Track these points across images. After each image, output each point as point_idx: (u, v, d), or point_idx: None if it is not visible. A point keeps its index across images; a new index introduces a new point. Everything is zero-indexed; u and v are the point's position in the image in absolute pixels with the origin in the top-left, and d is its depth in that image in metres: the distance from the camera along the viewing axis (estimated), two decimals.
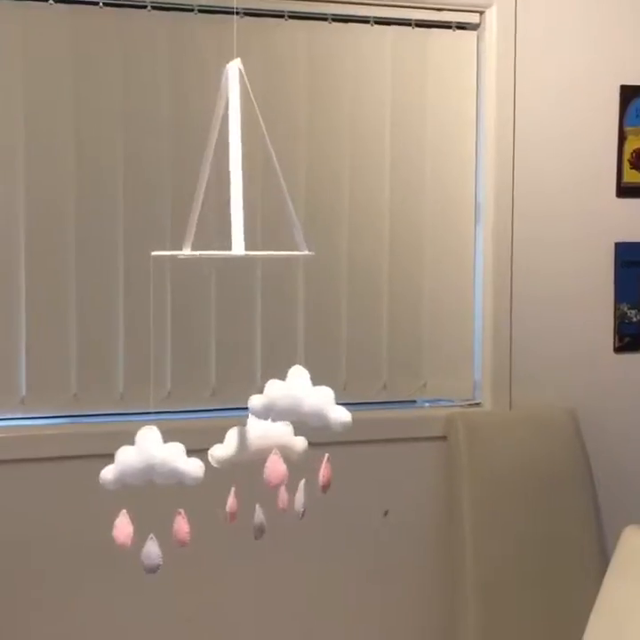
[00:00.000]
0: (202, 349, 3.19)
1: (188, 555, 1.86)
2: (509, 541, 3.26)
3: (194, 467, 1.71)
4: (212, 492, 1.81)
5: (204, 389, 3.20)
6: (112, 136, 3.09)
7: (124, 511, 1.72)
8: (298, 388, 1.73)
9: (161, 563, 1.75)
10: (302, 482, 1.83)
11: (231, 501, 1.78)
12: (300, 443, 1.85)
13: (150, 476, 1.72)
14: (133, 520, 1.75)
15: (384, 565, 3.36)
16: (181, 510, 1.76)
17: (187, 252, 1.85)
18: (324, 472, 1.83)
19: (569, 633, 2.92)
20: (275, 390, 1.74)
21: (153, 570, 1.75)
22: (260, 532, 1.87)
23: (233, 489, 1.76)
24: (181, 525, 1.76)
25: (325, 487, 1.82)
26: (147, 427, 1.74)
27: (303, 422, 1.76)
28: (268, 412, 1.73)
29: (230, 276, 3.18)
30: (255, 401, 1.74)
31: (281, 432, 1.82)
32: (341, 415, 1.74)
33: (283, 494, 1.83)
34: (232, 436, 1.77)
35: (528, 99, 3.44)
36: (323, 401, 1.73)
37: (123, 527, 1.73)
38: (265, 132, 1.83)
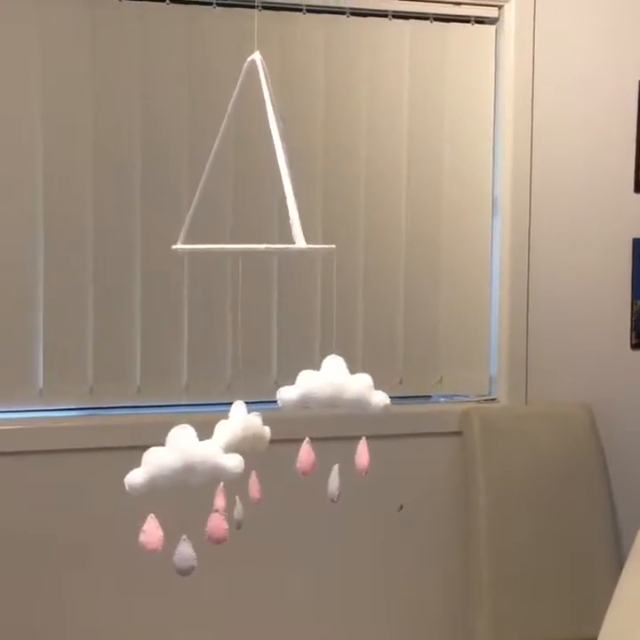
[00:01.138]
0: (218, 343, 3.20)
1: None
2: (524, 536, 3.26)
3: (235, 462, 1.68)
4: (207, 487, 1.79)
5: (220, 383, 3.21)
6: (131, 129, 3.10)
7: (152, 515, 1.66)
8: (336, 376, 1.75)
9: (195, 564, 1.70)
10: (336, 466, 1.83)
11: (219, 497, 1.75)
12: (268, 433, 1.85)
13: (186, 477, 1.66)
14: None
15: (399, 560, 3.37)
16: (218, 508, 1.73)
17: (209, 245, 1.83)
18: (363, 456, 1.83)
19: (585, 628, 2.92)
20: (311, 380, 1.74)
21: (187, 572, 1.69)
22: (238, 525, 1.84)
23: (222, 483, 1.74)
24: (219, 523, 1.71)
25: (366, 470, 1.83)
26: (180, 425, 1.66)
27: (340, 410, 1.79)
28: (305, 403, 1.73)
29: (247, 271, 3.19)
30: (288, 393, 1.74)
31: (257, 423, 1.81)
32: (382, 399, 1.78)
33: (254, 484, 1.82)
34: (221, 428, 1.76)
35: (546, 93, 3.43)
36: (364, 387, 1.77)
37: (152, 532, 1.65)
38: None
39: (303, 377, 1.75)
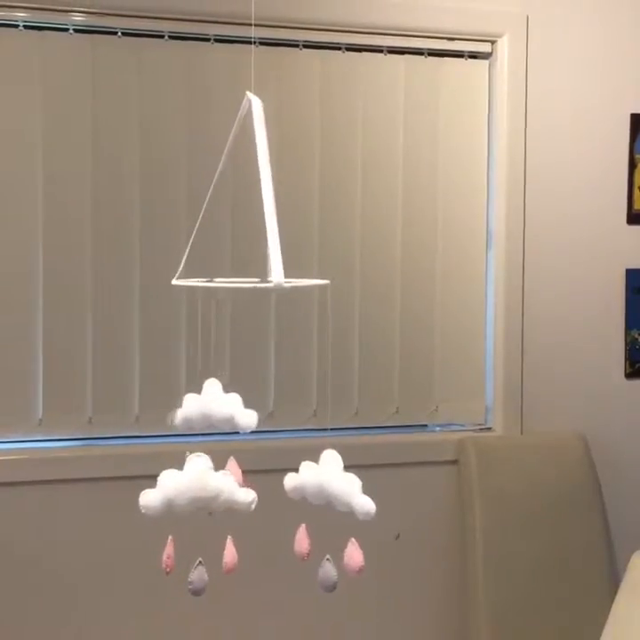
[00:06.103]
0: (216, 374, 3.21)
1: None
2: (521, 564, 3.27)
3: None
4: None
5: None
6: (129, 164, 3.13)
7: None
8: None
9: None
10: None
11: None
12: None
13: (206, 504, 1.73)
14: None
15: (395, 589, 3.37)
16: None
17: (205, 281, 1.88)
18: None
19: None
20: (308, 474, 1.84)
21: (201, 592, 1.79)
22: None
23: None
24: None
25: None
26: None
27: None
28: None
29: (244, 302, 3.21)
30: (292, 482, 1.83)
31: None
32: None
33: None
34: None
35: (539, 126, 3.47)
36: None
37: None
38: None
39: (305, 469, 1.86)
